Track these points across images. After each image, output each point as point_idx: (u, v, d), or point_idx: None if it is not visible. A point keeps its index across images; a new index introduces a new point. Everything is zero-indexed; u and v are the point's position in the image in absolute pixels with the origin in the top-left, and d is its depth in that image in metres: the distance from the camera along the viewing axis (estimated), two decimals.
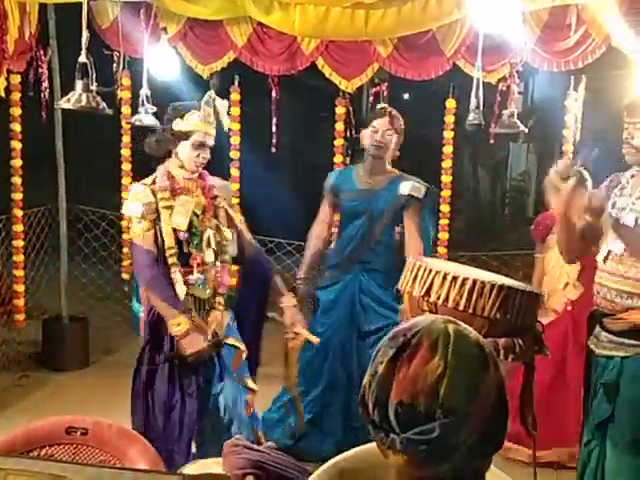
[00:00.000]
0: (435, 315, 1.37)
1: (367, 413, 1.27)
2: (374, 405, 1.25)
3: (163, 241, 3.57)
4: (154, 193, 3.59)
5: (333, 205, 4.65)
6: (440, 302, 2.16)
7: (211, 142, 3.70)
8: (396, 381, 1.23)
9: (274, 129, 6.02)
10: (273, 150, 6.08)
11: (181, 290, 3.57)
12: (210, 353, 3.65)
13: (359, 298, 4.46)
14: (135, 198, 3.58)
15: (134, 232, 3.58)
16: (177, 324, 3.51)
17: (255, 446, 3.82)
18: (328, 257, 4.70)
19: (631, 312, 3.13)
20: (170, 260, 3.58)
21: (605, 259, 3.27)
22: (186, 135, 3.61)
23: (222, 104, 3.77)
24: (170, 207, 3.59)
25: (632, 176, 3.27)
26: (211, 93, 3.74)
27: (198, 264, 3.63)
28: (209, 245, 3.67)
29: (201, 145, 3.64)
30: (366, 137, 4.49)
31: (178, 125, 3.61)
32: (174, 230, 3.58)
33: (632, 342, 3.13)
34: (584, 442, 3.35)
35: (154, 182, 3.64)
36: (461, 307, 2.14)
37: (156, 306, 3.58)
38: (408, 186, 4.45)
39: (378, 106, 4.69)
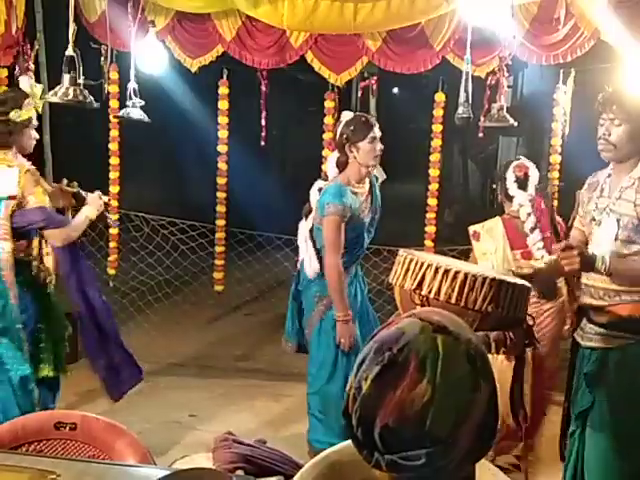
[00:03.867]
0: (423, 316, 1.28)
1: (350, 427, 1.23)
2: (358, 422, 1.20)
3: None
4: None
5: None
6: (432, 295, 2.15)
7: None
8: (382, 403, 1.18)
9: (263, 123, 6.01)
10: (262, 144, 6.06)
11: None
12: None
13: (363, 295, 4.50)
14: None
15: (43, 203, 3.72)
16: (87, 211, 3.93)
17: (245, 440, 3.82)
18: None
19: (617, 305, 3.14)
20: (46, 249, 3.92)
21: None
22: (28, 122, 3.78)
23: (39, 88, 3.93)
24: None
25: (609, 175, 3.25)
26: (28, 78, 4.10)
27: None
28: None
29: (34, 126, 3.87)
30: (365, 151, 4.20)
31: (20, 115, 3.72)
32: None
33: (616, 333, 3.14)
34: (569, 433, 3.37)
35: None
36: (453, 300, 2.13)
37: (78, 232, 3.86)
38: (380, 170, 4.50)
39: (347, 115, 4.34)
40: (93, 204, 3.92)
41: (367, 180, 4.39)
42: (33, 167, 3.79)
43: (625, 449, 3.15)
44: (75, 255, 3.92)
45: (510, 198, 4.29)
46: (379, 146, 4.25)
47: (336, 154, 4.35)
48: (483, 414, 1.22)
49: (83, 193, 3.99)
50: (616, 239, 3.11)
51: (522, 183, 4.25)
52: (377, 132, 4.26)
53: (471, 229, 4.39)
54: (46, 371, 3.86)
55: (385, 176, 4.66)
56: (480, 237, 4.32)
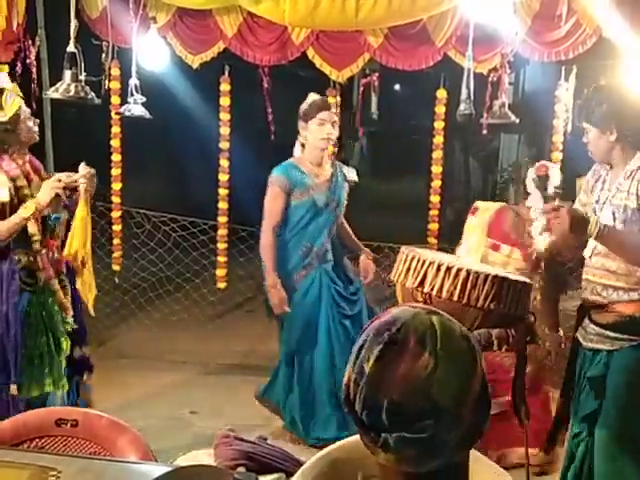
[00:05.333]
0: (415, 305, 1.32)
1: (354, 412, 1.24)
2: (363, 404, 1.22)
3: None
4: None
5: (285, 206, 4.42)
6: (434, 293, 2.15)
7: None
8: (386, 380, 1.20)
9: (270, 119, 6.02)
10: (267, 139, 6.07)
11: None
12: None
13: (332, 291, 4.49)
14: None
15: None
16: (24, 207, 3.52)
17: (246, 437, 3.82)
18: (290, 259, 4.48)
19: (617, 304, 3.14)
20: (36, 247, 3.67)
21: (591, 255, 3.27)
22: (17, 117, 3.60)
23: (3, 77, 3.75)
24: (29, 196, 3.63)
25: (611, 167, 3.26)
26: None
27: None
28: None
29: (28, 114, 3.71)
30: (313, 131, 4.35)
31: (6, 114, 3.56)
32: None
33: (617, 335, 3.13)
34: (572, 435, 3.36)
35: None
36: (455, 298, 2.13)
37: (9, 232, 3.53)
38: (353, 172, 4.56)
39: (310, 97, 4.48)
40: (44, 187, 3.58)
41: (327, 168, 4.46)
42: (15, 174, 3.58)
43: (637, 452, 3.15)
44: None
45: (527, 195, 4.25)
46: (329, 130, 4.32)
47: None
48: (480, 389, 1.24)
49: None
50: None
51: (543, 183, 4.20)
52: (331, 116, 4.36)
53: (476, 203, 4.39)
54: None
55: (356, 178, 4.68)
56: (476, 213, 4.32)
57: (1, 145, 3.60)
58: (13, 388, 3.58)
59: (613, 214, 3.12)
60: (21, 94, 3.74)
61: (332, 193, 4.47)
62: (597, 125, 3.17)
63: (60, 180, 3.59)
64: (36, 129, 3.76)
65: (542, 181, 4.18)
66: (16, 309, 3.59)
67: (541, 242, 3.94)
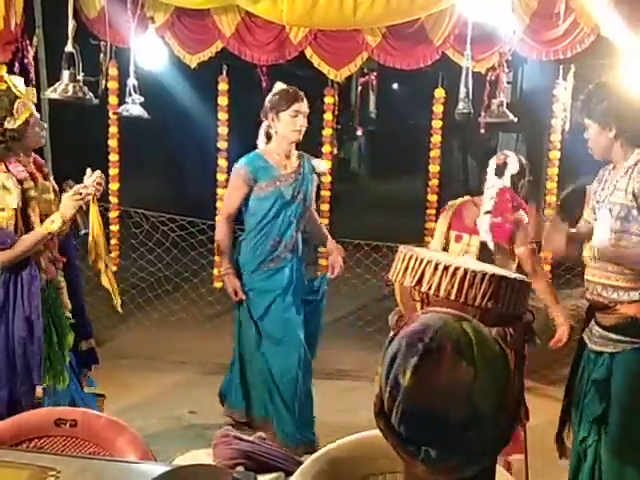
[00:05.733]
0: (440, 311, 1.30)
1: (390, 425, 1.20)
2: (401, 418, 1.18)
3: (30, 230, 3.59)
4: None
5: (246, 197, 4.38)
6: (431, 292, 2.14)
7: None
8: (425, 391, 1.16)
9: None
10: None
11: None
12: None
13: (295, 287, 4.45)
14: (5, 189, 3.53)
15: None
16: (51, 221, 3.53)
17: (245, 436, 3.82)
18: (257, 251, 4.40)
19: (620, 305, 3.14)
20: (39, 247, 3.65)
21: (592, 259, 3.28)
22: (26, 124, 3.59)
23: (19, 81, 3.76)
24: (35, 198, 3.63)
25: (613, 167, 3.27)
26: (5, 76, 3.77)
27: None
28: None
29: (38, 120, 3.71)
30: (285, 123, 4.21)
31: (16, 122, 3.54)
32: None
33: (620, 337, 3.14)
34: (579, 439, 3.34)
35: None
36: (452, 297, 2.12)
37: (27, 250, 3.51)
38: (322, 164, 4.57)
39: (278, 86, 4.37)
40: (66, 203, 3.58)
41: (294, 159, 4.39)
42: (22, 177, 3.56)
43: None
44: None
45: None
46: (302, 122, 4.23)
47: (266, 123, 4.37)
48: (517, 391, 1.24)
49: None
50: (611, 231, 3.12)
51: (501, 170, 4.21)
52: (303, 107, 4.24)
53: (448, 203, 4.45)
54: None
55: (326, 168, 4.66)
56: (444, 211, 4.38)
57: (7, 150, 3.59)
58: (39, 391, 3.57)
59: (610, 211, 3.13)
60: (35, 100, 3.74)
61: (299, 185, 4.37)
62: (597, 121, 3.17)
63: (80, 193, 3.59)
64: (43, 134, 3.79)
65: (500, 169, 4.21)
66: (38, 313, 3.59)
67: (485, 221, 4.05)
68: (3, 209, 3.47)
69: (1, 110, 3.54)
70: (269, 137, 4.36)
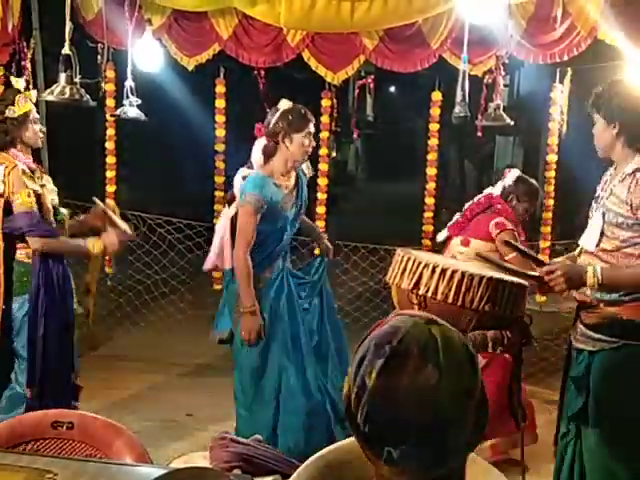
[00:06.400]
0: (413, 313, 1.30)
1: (356, 425, 1.22)
2: (365, 418, 1.20)
3: (46, 216, 3.80)
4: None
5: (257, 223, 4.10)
6: (429, 295, 2.15)
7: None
8: (389, 393, 1.18)
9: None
10: None
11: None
12: None
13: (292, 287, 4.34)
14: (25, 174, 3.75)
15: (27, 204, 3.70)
16: (92, 246, 3.79)
17: (242, 439, 3.82)
18: (259, 265, 4.18)
19: (602, 305, 3.15)
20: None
21: (579, 254, 3.29)
22: (26, 116, 3.80)
23: (20, 82, 4.02)
24: (45, 186, 3.86)
25: (615, 168, 3.28)
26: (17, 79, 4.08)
27: None
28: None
29: (37, 120, 3.91)
30: (297, 144, 4.06)
31: (16, 111, 3.77)
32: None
33: (600, 336, 3.14)
34: (560, 435, 3.37)
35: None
36: (450, 300, 2.13)
37: (65, 251, 3.84)
38: (308, 165, 4.46)
39: (285, 104, 4.14)
40: (113, 238, 3.87)
41: (293, 174, 4.26)
42: (30, 167, 3.78)
43: (623, 451, 3.16)
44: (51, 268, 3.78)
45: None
46: (312, 142, 4.14)
47: (263, 141, 4.16)
48: (481, 395, 1.23)
49: (120, 223, 3.98)
50: (602, 234, 3.12)
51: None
52: (312, 127, 4.14)
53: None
54: None
55: (312, 172, 4.63)
56: None
57: (9, 141, 3.76)
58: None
59: (603, 215, 3.13)
60: (34, 100, 3.93)
61: (300, 200, 4.30)
62: (604, 116, 3.16)
63: (126, 232, 3.96)
64: (41, 135, 3.93)
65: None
66: (71, 310, 3.87)
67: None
68: (29, 194, 3.66)
69: (5, 100, 3.78)
70: (267, 156, 4.15)
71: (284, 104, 4.15)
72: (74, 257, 3.95)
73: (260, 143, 4.19)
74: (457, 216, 4.41)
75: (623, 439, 3.15)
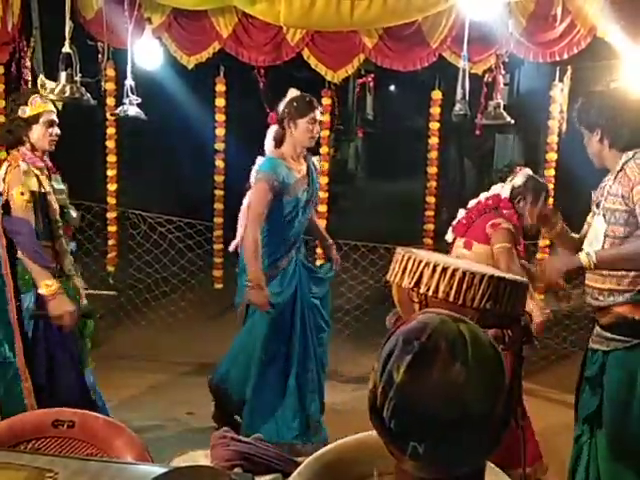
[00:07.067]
0: (439, 311, 1.30)
1: (381, 420, 1.22)
2: (392, 413, 1.20)
3: (47, 215, 3.80)
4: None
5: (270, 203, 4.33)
6: (430, 293, 2.15)
7: (57, 119, 3.93)
8: (417, 389, 1.18)
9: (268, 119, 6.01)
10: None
11: (69, 259, 3.91)
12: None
13: (302, 276, 4.52)
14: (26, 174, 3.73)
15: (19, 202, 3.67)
16: (47, 285, 3.67)
17: (243, 438, 3.82)
18: (273, 253, 4.43)
19: (615, 306, 3.17)
20: (58, 232, 3.85)
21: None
22: (36, 118, 3.80)
23: (51, 84, 4.09)
24: (51, 187, 3.86)
25: (611, 174, 3.31)
26: (42, 77, 4.13)
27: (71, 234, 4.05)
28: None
29: (52, 123, 3.88)
30: (301, 130, 4.31)
31: (27, 111, 3.79)
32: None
33: (614, 336, 3.18)
34: (574, 437, 3.38)
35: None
36: (451, 298, 2.13)
37: (31, 269, 3.69)
38: (319, 161, 4.72)
39: (293, 93, 4.42)
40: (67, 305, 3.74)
41: (303, 161, 4.48)
42: (36, 166, 3.76)
43: (636, 451, 3.16)
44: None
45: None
46: (317, 129, 4.37)
47: (275, 127, 4.46)
48: (507, 393, 1.24)
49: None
50: (605, 236, 3.15)
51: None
52: (318, 115, 4.38)
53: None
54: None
55: (318, 165, 4.81)
56: None
57: (17, 140, 3.80)
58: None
59: (604, 217, 3.16)
60: (57, 106, 3.98)
61: (311, 187, 4.49)
62: (587, 127, 3.25)
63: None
64: (51, 139, 3.90)
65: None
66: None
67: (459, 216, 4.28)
68: (23, 193, 3.64)
69: (19, 99, 3.83)
70: (278, 141, 4.41)
71: (292, 92, 4.43)
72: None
73: (272, 130, 4.48)
74: (460, 214, 4.33)
75: (635, 439, 3.15)
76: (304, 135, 4.34)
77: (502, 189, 4.26)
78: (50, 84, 4.04)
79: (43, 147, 3.89)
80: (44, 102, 3.83)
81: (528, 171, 4.36)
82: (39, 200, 3.72)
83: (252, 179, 4.49)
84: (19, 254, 3.74)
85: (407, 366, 1.19)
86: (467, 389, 1.17)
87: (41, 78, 4.06)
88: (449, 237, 4.34)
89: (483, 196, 4.29)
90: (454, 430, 1.17)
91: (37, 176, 3.74)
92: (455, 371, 1.17)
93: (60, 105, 4.20)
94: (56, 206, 3.82)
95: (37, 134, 3.82)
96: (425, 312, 1.31)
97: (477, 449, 1.21)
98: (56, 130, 3.89)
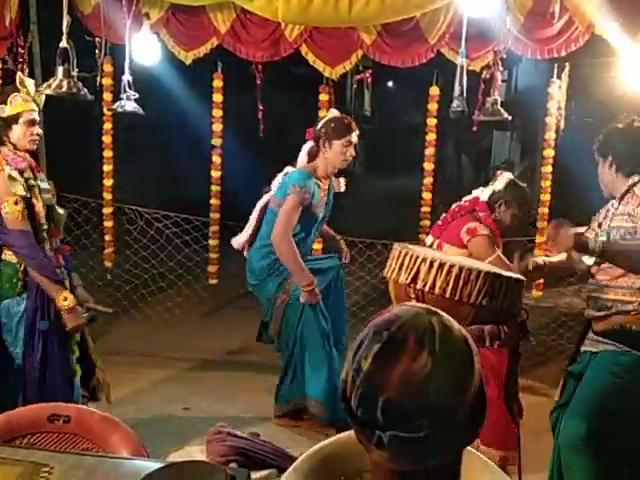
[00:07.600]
0: (415, 305, 1.31)
1: (350, 409, 1.24)
2: (359, 401, 1.22)
3: (36, 219, 3.71)
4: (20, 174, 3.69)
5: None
6: (426, 289, 2.16)
7: (38, 118, 3.84)
8: (383, 378, 1.20)
9: (260, 116, 6.01)
10: (259, 136, 6.05)
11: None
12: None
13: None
14: (12, 179, 3.64)
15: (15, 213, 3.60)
16: (64, 298, 3.68)
17: (239, 433, 3.83)
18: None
19: (615, 316, 3.23)
20: (43, 235, 3.77)
21: (591, 272, 3.41)
22: (16, 118, 3.70)
23: (30, 82, 3.92)
24: (36, 186, 3.75)
25: (620, 198, 3.36)
26: (20, 74, 3.98)
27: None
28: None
29: (33, 122, 3.77)
30: (336, 151, 4.43)
31: (6, 111, 3.69)
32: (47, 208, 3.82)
33: (605, 340, 3.26)
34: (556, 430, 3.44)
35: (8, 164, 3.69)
36: (447, 294, 2.14)
37: (41, 283, 3.68)
38: (342, 182, 4.78)
39: (333, 113, 4.59)
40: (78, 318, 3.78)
41: (328, 181, 4.60)
42: (18, 168, 3.66)
43: (595, 447, 3.18)
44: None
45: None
46: (351, 152, 4.44)
47: (311, 144, 4.54)
48: (477, 390, 1.24)
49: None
50: None
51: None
52: (354, 138, 4.45)
53: None
54: None
55: (343, 189, 4.88)
56: None
57: None
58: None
59: (608, 235, 3.21)
60: (39, 104, 3.90)
61: (327, 205, 4.64)
62: (601, 154, 3.35)
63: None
64: (35, 138, 3.81)
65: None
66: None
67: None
68: (17, 202, 3.58)
69: (1, 97, 3.72)
70: (311, 156, 4.53)
71: (333, 112, 4.59)
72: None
73: (307, 146, 4.59)
74: (443, 216, 4.37)
75: (596, 436, 3.17)
76: (338, 157, 4.42)
77: (482, 192, 4.30)
78: (29, 82, 3.90)
79: (24, 147, 3.77)
80: (25, 101, 3.73)
81: (509, 175, 4.39)
82: (27, 205, 3.65)
83: (275, 185, 4.62)
84: (4, 255, 3.72)
85: (374, 356, 1.22)
86: (432, 381, 1.18)
87: (20, 75, 3.91)
88: (428, 240, 4.40)
89: (463, 200, 4.35)
90: (417, 421, 1.18)
91: (24, 179, 3.66)
92: (420, 361, 1.19)
93: (59, 101, 4.19)
94: (40, 209, 3.72)
95: (17, 134, 3.71)
96: (402, 305, 1.33)
97: (444, 444, 1.22)
98: (37, 129, 3.79)
